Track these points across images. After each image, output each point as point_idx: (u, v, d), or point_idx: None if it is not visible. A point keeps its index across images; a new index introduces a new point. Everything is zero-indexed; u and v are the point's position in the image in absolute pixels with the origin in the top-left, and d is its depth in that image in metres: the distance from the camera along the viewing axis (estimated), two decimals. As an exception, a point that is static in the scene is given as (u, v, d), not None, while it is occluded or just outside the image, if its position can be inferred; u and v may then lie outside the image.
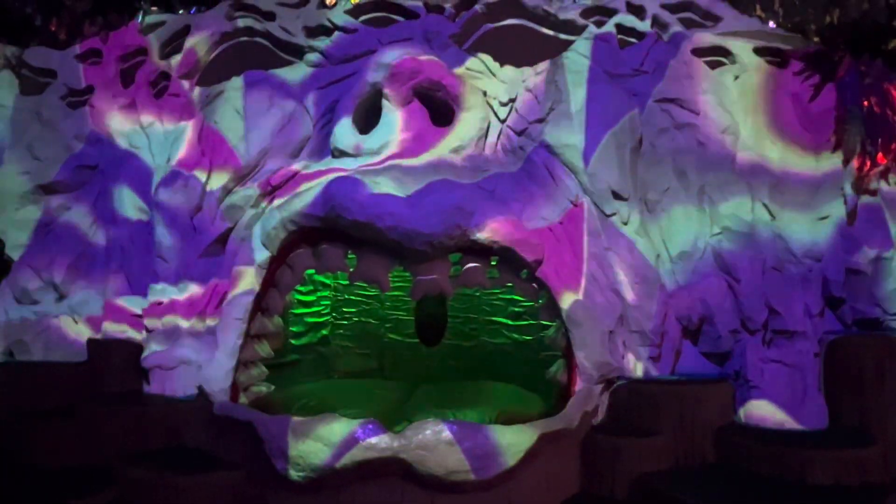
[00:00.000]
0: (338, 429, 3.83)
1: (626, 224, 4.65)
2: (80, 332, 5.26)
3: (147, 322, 4.89)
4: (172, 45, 5.55)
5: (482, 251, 4.53)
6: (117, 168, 5.41)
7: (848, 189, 4.66)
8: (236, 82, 5.16)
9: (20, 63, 5.72)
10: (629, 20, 4.99)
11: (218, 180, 4.97)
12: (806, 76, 4.82)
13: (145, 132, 5.36)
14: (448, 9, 5.20)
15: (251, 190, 4.92)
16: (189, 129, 5.18)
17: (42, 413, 4.69)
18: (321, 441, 3.81)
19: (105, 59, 5.60)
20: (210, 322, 4.76)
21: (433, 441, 3.77)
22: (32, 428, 4.50)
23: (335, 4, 5.35)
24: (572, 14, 5.03)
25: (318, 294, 6.73)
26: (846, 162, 4.66)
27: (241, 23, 5.38)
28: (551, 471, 4.13)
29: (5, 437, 4.56)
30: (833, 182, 4.69)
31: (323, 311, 6.79)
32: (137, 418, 4.49)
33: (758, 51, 4.89)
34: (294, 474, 3.89)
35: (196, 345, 4.74)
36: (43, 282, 5.42)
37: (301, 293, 6.47)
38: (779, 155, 4.74)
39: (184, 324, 4.78)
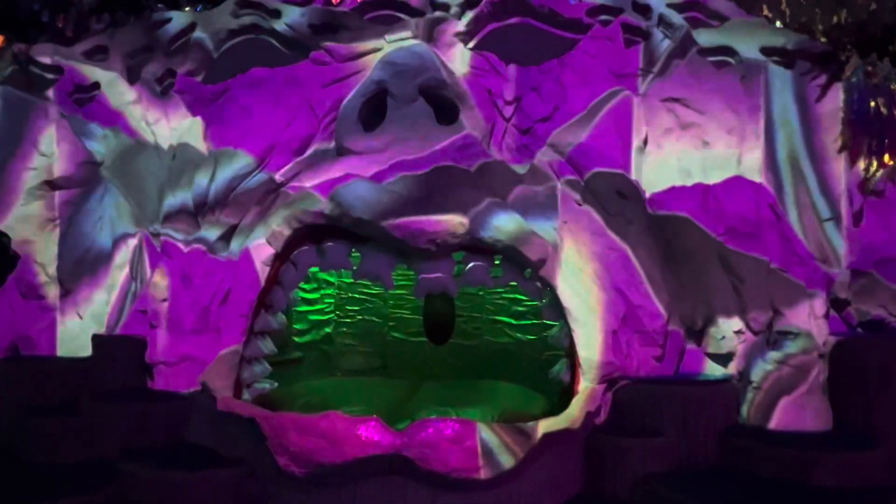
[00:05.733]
0: (341, 426, 3.83)
1: (630, 224, 4.64)
2: (85, 327, 5.28)
3: (151, 318, 4.90)
4: (178, 42, 5.56)
5: (486, 250, 4.52)
6: (122, 164, 5.42)
7: (854, 190, 4.64)
8: (242, 80, 5.17)
9: (28, 59, 5.74)
10: (635, 19, 4.97)
11: (223, 177, 4.98)
12: (812, 76, 4.79)
13: (151, 129, 5.37)
14: (454, 7, 5.19)
15: (255, 187, 4.92)
16: (194, 126, 5.19)
17: (46, 408, 4.71)
18: (324, 438, 3.82)
19: (112, 56, 5.62)
20: (214, 318, 4.77)
21: (436, 439, 3.77)
22: (36, 423, 4.51)
23: (341, 2, 5.35)
24: (578, 13, 5.02)
25: (322, 292, 6.74)
26: (852, 163, 4.64)
27: (246, 20, 5.38)
28: (554, 470, 4.13)
29: (9, 432, 4.59)
30: (839, 183, 4.66)
31: (327, 309, 6.81)
32: (140, 414, 4.51)
33: (764, 50, 4.87)
34: (296, 471, 3.90)
35: (200, 341, 4.75)
36: (49, 277, 5.44)
37: (305, 291, 6.49)
38: (784, 155, 4.72)
39: (188, 320, 4.79)
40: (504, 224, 4.37)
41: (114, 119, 5.44)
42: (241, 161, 4.97)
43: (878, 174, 4.63)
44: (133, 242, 5.30)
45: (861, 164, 4.63)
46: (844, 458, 3.91)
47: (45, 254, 5.47)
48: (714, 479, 4.05)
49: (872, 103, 4.56)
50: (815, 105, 4.74)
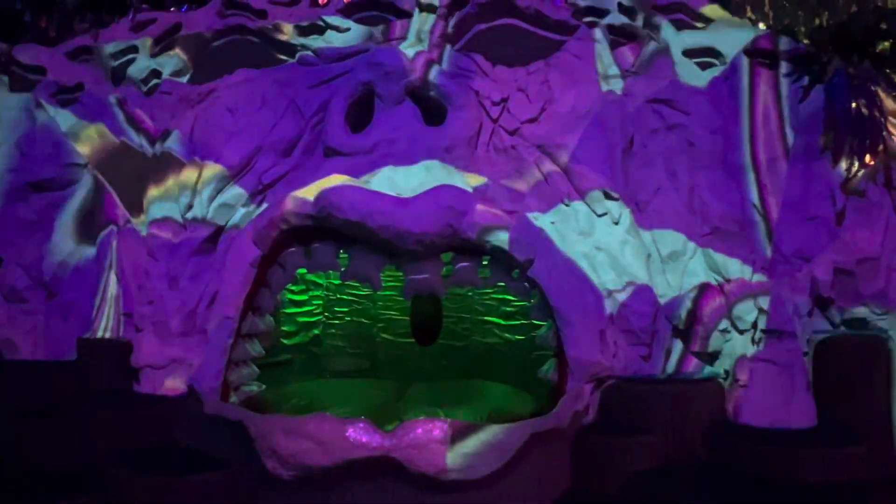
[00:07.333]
0: (328, 427, 3.82)
1: (616, 224, 4.67)
2: (70, 330, 5.22)
3: (137, 321, 4.87)
4: (163, 42, 5.53)
5: (474, 250, 4.53)
6: (107, 165, 5.38)
7: (836, 190, 4.70)
8: (228, 80, 5.15)
9: (10, 60, 5.69)
10: (621, 21, 5.01)
11: (209, 178, 4.95)
12: (795, 78, 4.85)
13: (136, 130, 5.33)
14: (440, 8, 5.20)
15: (242, 188, 4.90)
16: (179, 128, 5.16)
17: (31, 412, 4.66)
18: (312, 440, 3.80)
19: (96, 57, 5.58)
20: (200, 321, 4.74)
21: (424, 440, 3.76)
22: (22, 427, 4.46)
23: (327, 3, 5.35)
24: (564, 14, 5.05)
25: (310, 293, 6.72)
26: (835, 163, 4.70)
27: (232, 21, 5.36)
28: (542, 470, 4.14)
29: (-6, 436, 4.54)
30: (822, 183, 4.72)
31: (315, 311, 6.78)
32: (127, 417, 4.47)
33: (748, 52, 4.93)
34: (284, 473, 3.88)
35: (186, 343, 4.72)
36: (32, 280, 5.38)
37: (293, 292, 6.46)
38: (768, 156, 4.77)
39: (174, 322, 4.76)
40: (491, 224, 4.38)
41: (98, 120, 5.40)
42: (228, 162, 4.95)
43: (860, 174, 4.69)
44: (116, 245, 5.25)
45: (843, 165, 4.69)
46: (828, 454, 3.96)
47: (28, 256, 5.41)
48: (701, 476, 4.08)
49: (854, 104, 4.62)
50: (798, 106, 4.80)
